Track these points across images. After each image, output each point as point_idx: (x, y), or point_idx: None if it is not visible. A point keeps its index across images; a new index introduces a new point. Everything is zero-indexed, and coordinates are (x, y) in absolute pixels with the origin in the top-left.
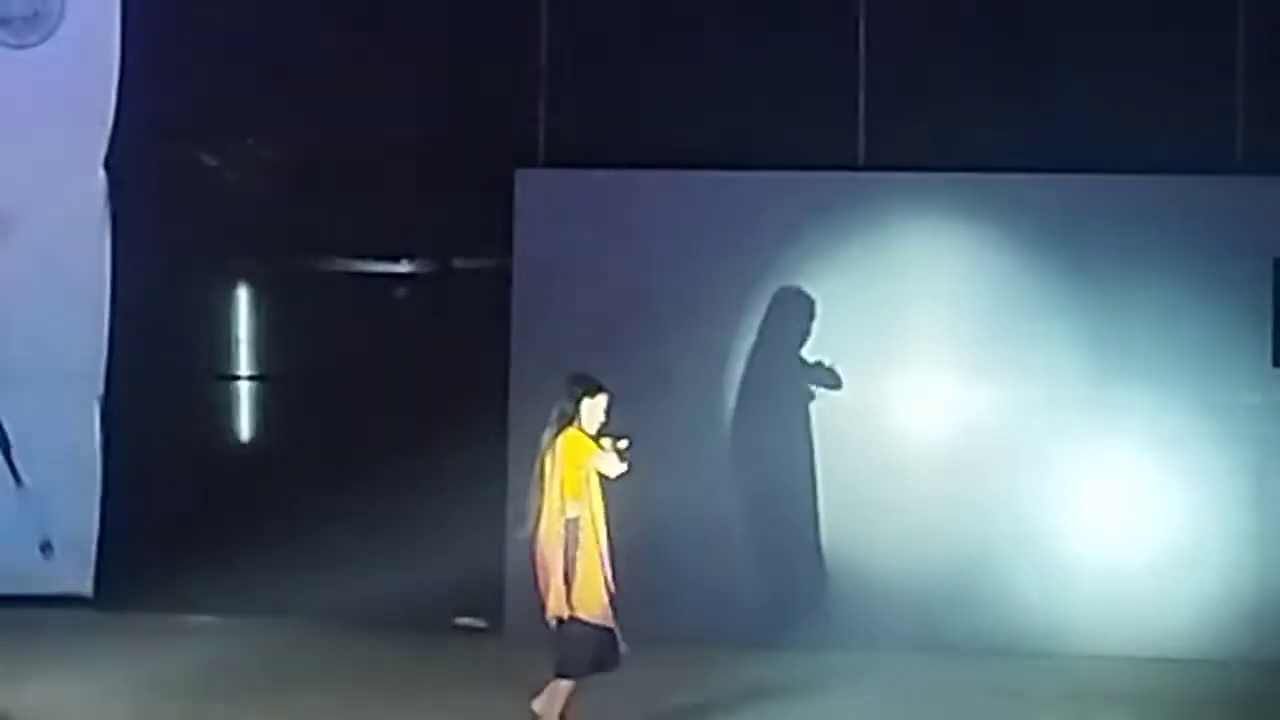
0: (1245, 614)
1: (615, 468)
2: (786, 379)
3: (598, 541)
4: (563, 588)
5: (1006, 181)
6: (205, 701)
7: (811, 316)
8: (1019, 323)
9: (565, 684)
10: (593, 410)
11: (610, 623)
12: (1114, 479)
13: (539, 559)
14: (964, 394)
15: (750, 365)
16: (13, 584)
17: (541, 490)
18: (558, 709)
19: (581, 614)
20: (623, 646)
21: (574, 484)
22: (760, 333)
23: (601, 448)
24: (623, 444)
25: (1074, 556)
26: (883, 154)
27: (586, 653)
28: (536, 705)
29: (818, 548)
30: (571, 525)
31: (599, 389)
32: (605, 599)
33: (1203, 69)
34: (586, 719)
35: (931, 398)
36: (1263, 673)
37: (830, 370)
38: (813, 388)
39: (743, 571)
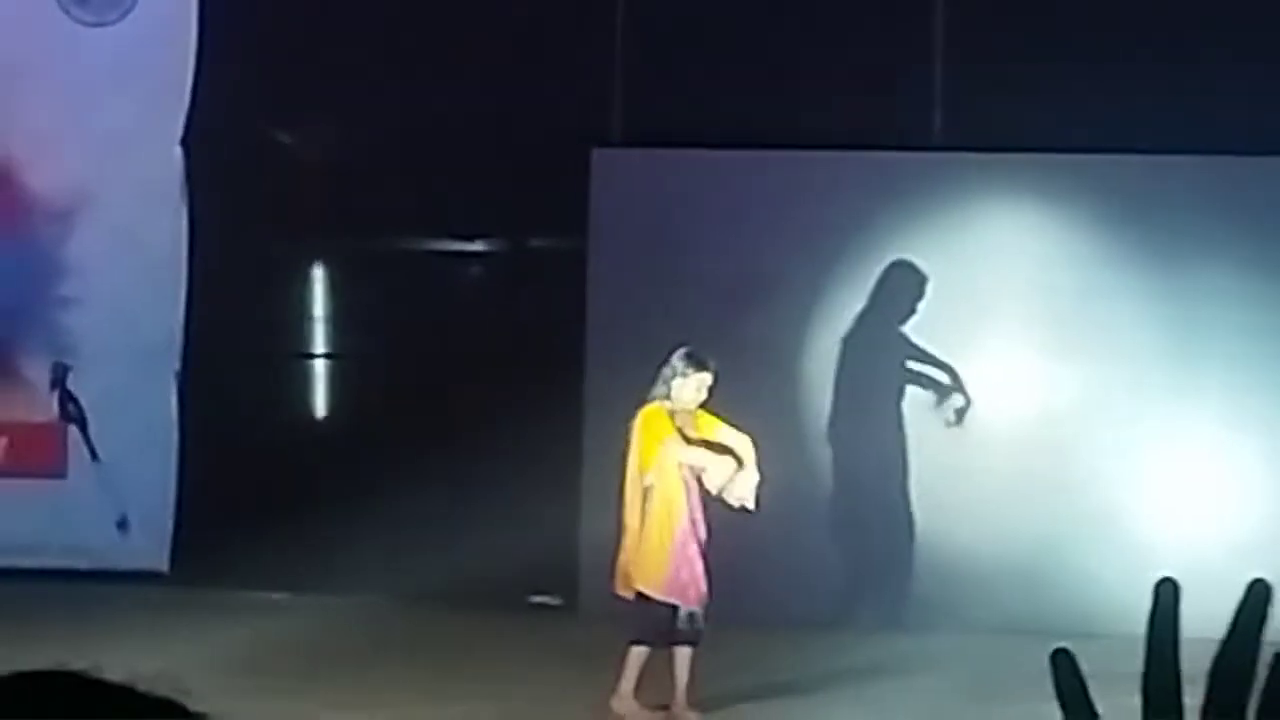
0: None
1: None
2: (886, 361)
3: (670, 516)
4: (627, 562)
5: (1086, 162)
6: (277, 678)
7: (920, 294)
8: (1100, 304)
9: (635, 653)
10: (686, 386)
11: (676, 599)
12: (1194, 460)
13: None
14: (1044, 376)
15: (847, 342)
16: (89, 560)
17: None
18: (629, 683)
19: (643, 588)
20: (692, 621)
21: (646, 457)
22: (865, 308)
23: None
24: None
25: (1154, 538)
26: (960, 134)
27: (648, 624)
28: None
29: (899, 531)
30: (647, 499)
31: (698, 366)
32: (671, 575)
33: (1276, 50)
34: (657, 698)
35: (1012, 380)
36: None
37: (957, 382)
38: (927, 390)
39: (822, 554)
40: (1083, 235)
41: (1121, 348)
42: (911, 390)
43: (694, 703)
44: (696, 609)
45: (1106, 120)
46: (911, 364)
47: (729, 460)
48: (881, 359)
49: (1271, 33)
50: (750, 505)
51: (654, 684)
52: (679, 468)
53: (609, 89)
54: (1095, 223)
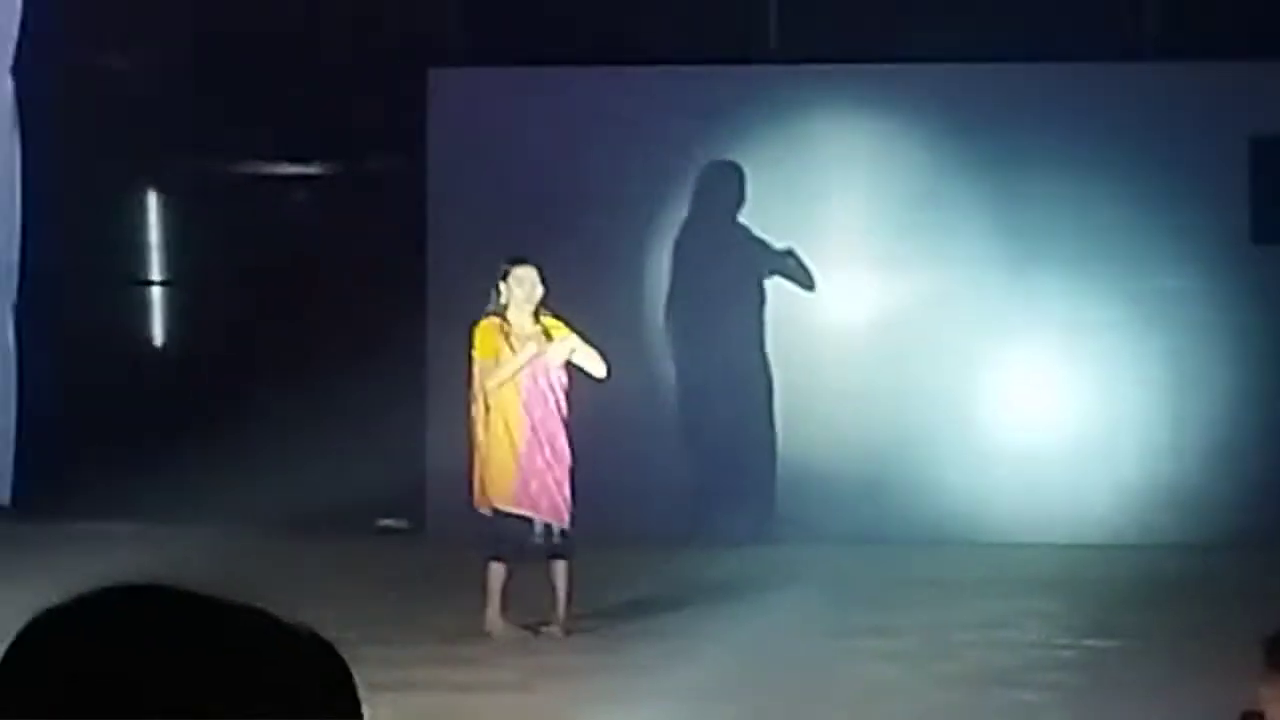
0: (1161, 498)
1: (559, 353)
2: (727, 267)
3: (509, 429)
4: (478, 477)
5: (920, 71)
6: None
7: (742, 191)
8: (938, 212)
9: (493, 570)
10: (515, 287)
11: (527, 511)
12: (1033, 366)
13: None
14: (883, 285)
15: (680, 250)
16: None
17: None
18: (493, 604)
19: (494, 502)
20: (549, 533)
21: (480, 371)
22: (691, 215)
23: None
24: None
25: (995, 444)
26: (796, 46)
27: (501, 539)
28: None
29: (747, 442)
30: (486, 413)
31: (515, 263)
32: (518, 487)
33: None
34: (524, 616)
35: (852, 290)
36: (1178, 555)
37: (801, 265)
38: (770, 277)
39: (670, 468)
40: (919, 144)
41: (960, 255)
42: (754, 292)
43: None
44: (553, 521)
45: (942, 29)
46: (752, 259)
47: (563, 343)
48: (722, 265)
49: None
50: (599, 372)
51: (523, 602)
52: (515, 381)
53: (443, 7)
54: (932, 132)
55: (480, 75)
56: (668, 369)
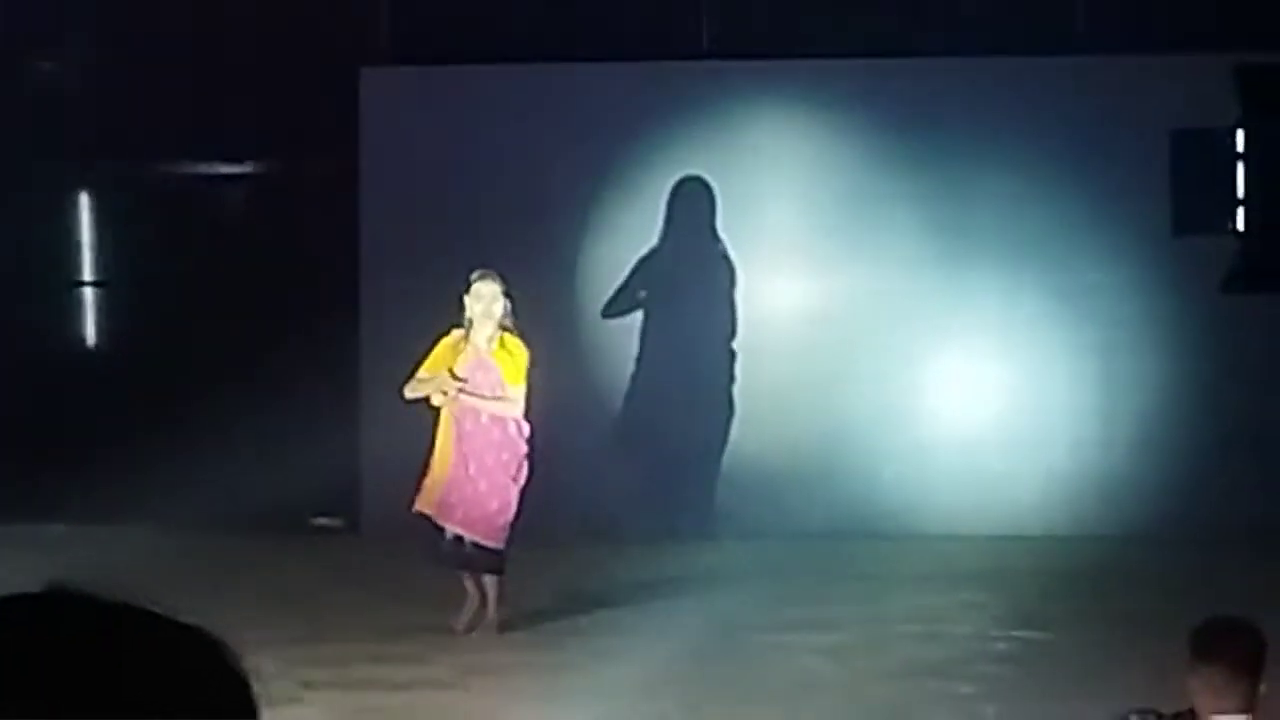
0: (1091, 490)
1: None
2: (668, 272)
3: (444, 440)
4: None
5: (852, 67)
6: None
7: (708, 205)
8: (872, 209)
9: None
10: (474, 302)
11: (442, 519)
12: (965, 362)
13: None
14: (816, 282)
15: (617, 250)
16: None
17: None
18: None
19: (420, 507)
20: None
21: (415, 380)
22: (627, 215)
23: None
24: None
25: (927, 438)
26: (729, 41)
27: (425, 544)
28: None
29: (685, 439)
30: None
31: (475, 277)
32: (441, 496)
33: None
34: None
35: (783, 286)
36: (1108, 546)
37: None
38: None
39: (609, 466)
40: (854, 140)
41: (895, 251)
42: (693, 291)
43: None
44: (465, 534)
45: (876, 24)
46: (691, 259)
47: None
48: (661, 265)
49: None
50: (512, 413)
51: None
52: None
53: (375, 6)
54: (866, 128)
55: (411, 75)
56: (604, 369)
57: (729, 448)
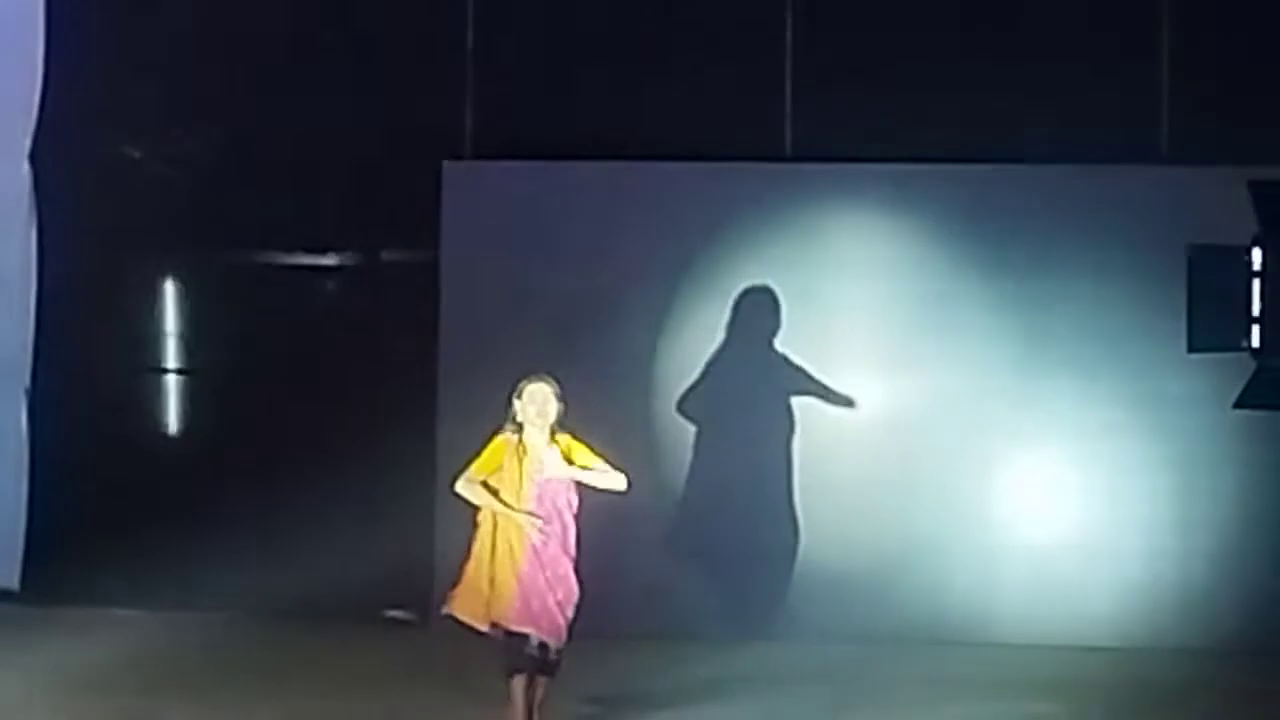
0: (1167, 602)
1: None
2: (743, 376)
3: (511, 550)
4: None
5: (932, 173)
6: (130, 696)
7: (777, 315)
8: (948, 313)
9: (514, 683)
10: (527, 404)
11: (528, 628)
12: (1040, 470)
13: None
14: (894, 385)
15: (696, 352)
16: None
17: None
18: (516, 706)
19: (499, 621)
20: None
21: (465, 480)
22: (708, 318)
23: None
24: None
25: (1000, 546)
26: (810, 145)
27: (510, 655)
28: None
29: (754, 543)
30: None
31: (527, 379)
32: (520, 605)
33: (1129, 60)
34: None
35: (861, 390)
36: (1183, 658)
37: (842, 394)
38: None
39: (679, 567)
40: (930, 243)
41: (969, 356)
42: (767, 397)
43: None
44: (549, 640)
45: (955, 128)
46: (776, 378)
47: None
48: (740, 374)
49: (1117, 46)
50: (619, 487)
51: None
52: (522, 500)
53: (460, 101)
54: (943, 231)
55: (493, 169)
56: (679, 469)
57: (802, 549)
